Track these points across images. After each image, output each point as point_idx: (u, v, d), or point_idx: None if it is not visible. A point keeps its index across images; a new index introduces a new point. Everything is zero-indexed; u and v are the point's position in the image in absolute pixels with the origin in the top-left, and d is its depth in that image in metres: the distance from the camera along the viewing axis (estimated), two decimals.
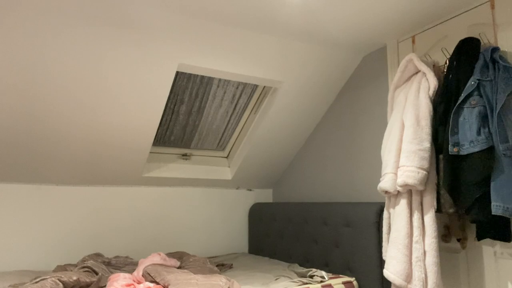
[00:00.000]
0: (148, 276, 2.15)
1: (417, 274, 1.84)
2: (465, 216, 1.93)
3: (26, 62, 2.13)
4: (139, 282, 2.10)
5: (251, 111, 3.23)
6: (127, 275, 2.15)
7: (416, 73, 2.12)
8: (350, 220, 2.42)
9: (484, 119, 1.76)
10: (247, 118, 3.27)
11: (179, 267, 2.50)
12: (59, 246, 2.79)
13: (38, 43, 2.07)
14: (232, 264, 2.82)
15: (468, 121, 1.78)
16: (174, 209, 3.26)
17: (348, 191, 2.84)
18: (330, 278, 2.27)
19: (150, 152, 3.10)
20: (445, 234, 2.07)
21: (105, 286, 2.05)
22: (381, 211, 2.26)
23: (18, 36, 2.01)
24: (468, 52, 1.92)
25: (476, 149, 1.73)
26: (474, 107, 1.78)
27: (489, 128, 1.75)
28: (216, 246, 3.41)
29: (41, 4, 1.91)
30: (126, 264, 2.59)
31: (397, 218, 1.96)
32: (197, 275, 2.11)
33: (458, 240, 2.03)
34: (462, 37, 1.97)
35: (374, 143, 2.63)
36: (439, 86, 1.99)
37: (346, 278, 2.29)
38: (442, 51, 2.15)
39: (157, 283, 2.06)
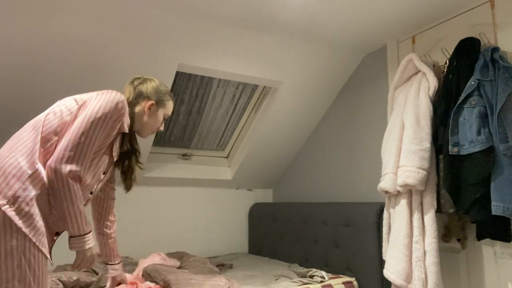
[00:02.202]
0: (148, 277, 2.15)
1: (417, 274, 1.84)
2: (465, 216, 1.93)
3: (27, 62, 2.13)
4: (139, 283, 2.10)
5: (251, 111, 3.23)
6: (127, 275, 2.15)
7: (416, 73, 2.12)
8: (350, 220, 2.42)
9: (484, 119, 1.76)
10: (247, 118, 3.27)
11: (179, 267, 2.50)
12: (59, 246, 2.79)
13: (38, 39, 2.07)
14: (232, 264, 2.82)
15: (468, 121, 1.78)
16: (174, 209, 3.26)
17: (348, 191, 2.84)
18: (330, 278, 2.27)
19: (150, 152, 3.09)
20: (445, 234, 2.07)
21: (105, 286, 2.05)
22: (381, 211, 2.26)
23: (20, 35, 2.02)
24: (468, 52, 1.92)
25: (476, 149, 1.73)
26: (474, 107, 1.78)
27: (489, 128, 1.75)
28: (216, 246, 3.41)
29: (41, 3, 1.92)
30: (126, 264, 2.59)
31: (397, 218, 1.96)
32: (197, 275, 2.11)
33: (458, 240, 2.03)
34: (462, 37, 1.97)
35: (374, 143, 2.63)
36: (439, 86, 1.99)
37: (346, 278, 2.29)
38: (442, 51, 2.15)
39: (157, 283, 2.06)
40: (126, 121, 1.47)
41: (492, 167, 1.70)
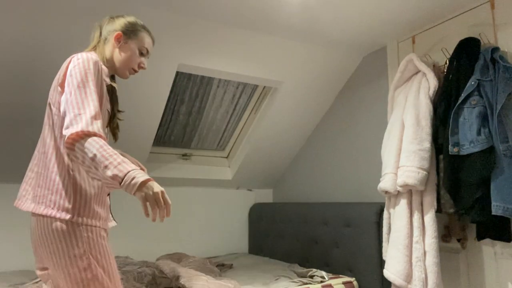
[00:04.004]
0: (158, 271, 2.20)
1: (417, 274, 1.84)
2: (465, 216, 1.93)
3: (27, 62, 2.13)
4: None
5: (251, 111, 3.23)
6: None
7: (416, 73, 2.12)
8: (350, 220, 2.42)
9: (484, 119, 1.76)
10: (247, 118, 3.27)
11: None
12: None
13: (38, 43, 2.07)
14: (232, 264, 2.82)
15: (468, 121, 1.78)
16: (174, 209, 3.26)
17: (348, 191, 2.84)
18: (330, 278, 2.27)
19: (150, 152, 3.09)
20: (445, 234, 2.07)
21: None
22: (381, 211, 2.26)
23: (20, 40, 2.02)
24: (468, 52, 1.91)
25: (476, 149, 1.73)
26: (474, 107, 1.78)
27: (489, 128, 1.75)
28: (216, 246, 3.41)
29: (41, 2, 1.92)
30: (126, 264, 2.58)
31: (397, 218, 1.96)
32: (208, 275, 2.14)
33: (458, 240, 2.03)
34: (462, 37, 1.97)
35: (374, 143, 2.63)
36: (439, 86, 1.99)
37: (346, 278, 2.29)
38: (442, 51, 2.15)
39: (165, 276, 2.11)
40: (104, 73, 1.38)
41: (492, 167, 1.70)
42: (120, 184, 1.11)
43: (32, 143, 2.51)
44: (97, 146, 1.13)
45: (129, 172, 1.11)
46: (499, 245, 1.89)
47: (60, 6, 1.95)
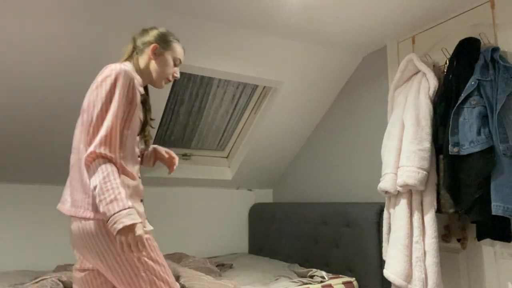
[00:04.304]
0: None
1: (417, 274, 1.84)
2: (465, 216, 1.93)
3: (27, 61, 2.13)
4: None
5: (251, 111, 3.23)
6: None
7: (416, 73, 2.12)
8: (350, 220, 2.42)
9: (484, 119, 1.76)
10: (247, 118, 3.27)
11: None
12: (59, 246, 2.79)
13: (37, 45, 2.07)
14: (232, 264, 2.82)
15: (468, 121, 1.78)
16: (174, 209, 3.26)
17: (348, 191, 2.84)
18: (330, 278, 2.27)
19: None
20: (445, 234, 2.07)
21: None
22: (381, 211, 2.26)
23: (19, 38, 2.02)
24: (468, 52, 1.92)
25: (476, 149, 1.73)
26: (474, 107, 1.78)
27: (489, 128, 1.75)
28: (216, 246, 3.41)
29: (41, 1, 1.92)
30: None
31: (397, 218, 1.96)
32: (208, 276, 2.14)
33: (458, 240, 2.03)
34: (462, 37, 1.97)
35: (374, 143, 2.63)
36: (439, 86, 1.99)
37: (346, 278, 2.29)
38: (442, 51, 2.15)
39: None
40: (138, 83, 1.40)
41: (492, 167, 1.70)
42: (107, 222, 1.16)
43: (31, 146, 2.51)
44: (101, 177, 1.18)
45: (114, 214, 1.15)
46: (499, 245, 1.89)
47: (57, 7, 1.95)
